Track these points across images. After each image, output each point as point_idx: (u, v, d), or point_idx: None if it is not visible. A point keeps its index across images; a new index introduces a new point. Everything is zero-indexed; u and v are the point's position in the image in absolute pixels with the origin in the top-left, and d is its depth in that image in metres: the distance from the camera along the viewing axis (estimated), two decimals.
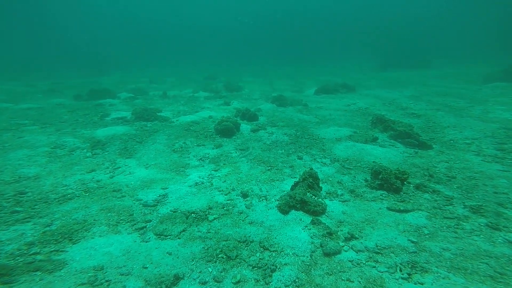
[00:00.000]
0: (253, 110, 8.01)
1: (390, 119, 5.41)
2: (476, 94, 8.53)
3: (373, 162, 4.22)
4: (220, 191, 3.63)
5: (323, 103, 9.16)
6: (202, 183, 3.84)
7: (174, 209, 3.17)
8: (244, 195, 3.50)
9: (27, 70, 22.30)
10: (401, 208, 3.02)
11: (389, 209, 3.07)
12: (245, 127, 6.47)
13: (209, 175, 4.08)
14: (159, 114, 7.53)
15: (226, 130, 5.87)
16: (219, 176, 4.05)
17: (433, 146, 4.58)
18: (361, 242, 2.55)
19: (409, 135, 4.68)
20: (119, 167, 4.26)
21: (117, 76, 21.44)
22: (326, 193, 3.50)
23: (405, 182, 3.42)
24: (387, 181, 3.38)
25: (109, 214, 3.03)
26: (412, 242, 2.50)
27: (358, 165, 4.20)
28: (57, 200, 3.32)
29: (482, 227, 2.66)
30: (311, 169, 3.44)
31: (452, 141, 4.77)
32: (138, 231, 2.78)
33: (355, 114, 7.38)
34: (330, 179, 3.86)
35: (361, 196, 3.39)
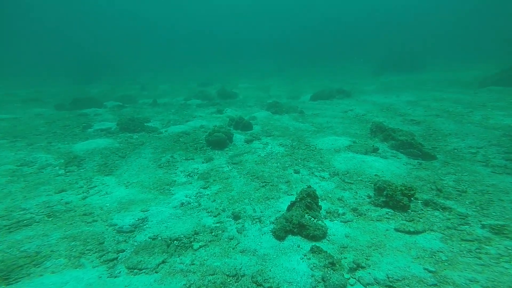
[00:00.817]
0: (247, 119, 7.73)
1: (390, 127, 5.19)
2: (473, 98, 8.48)
3: (375, 175, 3.94)
4: (208, 212, 3.27)
5: (319, 110, 8.97)
6: (189, 203, 3.48)
7: (154, 235, 2.79)
8: (236, 217, 3.15)
9: (14, 75, 21.69)
10: (411, 230, 2.72)
11: (397, 230, 2.76)
12: (238, 137, 6.16)
13: (197, 193, 3.72)
14: (146, 124, 7.17)
15: (218, 142, 5.55)
16: (208, 194, 3.70)
17: (437, 156, 4.35)
18: (369, 273, 2.22)
19: (412, 145, 4.44)
20: (95, 186, 3.85)
21: (109, 82, 21.10)
22: (326, 213, 3.19)
23: (412, 198, 3.14)
24: (393, 198, 3.08)
25: (73, 243, 2.62)
26: (430, 271, 2.18)
27: (359, 179, 3.91)
28: (7, 227, 2.88)
29: (511, 251, 2.36)
30: (309, 187, 3.13)
31: (456, 151, 4.54)
32: (107, 263, 2.39)
33: (352, 122, 7.17)
34: (330, 195, 3.55)
35: (365, 215, 3.08)
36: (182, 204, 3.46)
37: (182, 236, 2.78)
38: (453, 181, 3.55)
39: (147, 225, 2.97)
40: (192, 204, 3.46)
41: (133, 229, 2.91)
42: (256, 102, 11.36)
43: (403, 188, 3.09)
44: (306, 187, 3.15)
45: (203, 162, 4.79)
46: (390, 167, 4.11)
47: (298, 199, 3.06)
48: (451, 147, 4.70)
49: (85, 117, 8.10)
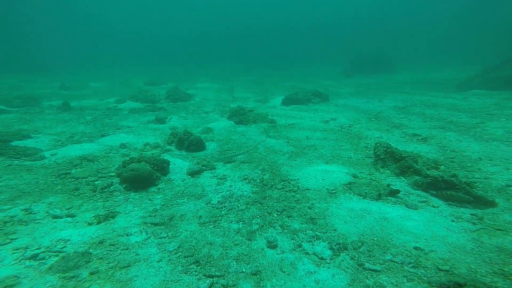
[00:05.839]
0: (197, 133, 5.72)
1: (408, 153, 3.67)
2: (469, 104, 7.81)
3: (416, 249, 2.29)
4: None
5: (294, 118, 7.38)
6: None
7: None
8: None
9: None
10: None
11: None
12: (179, 165, 4.12)
13: None
14: (18, 142, 4.60)
15: (137, 178, 3.41)
16: None
17: (496, 200, 2.91)
18: None
19: (453, 185, 2.93)
20: None
21: (21, 79, 17.08)
22: None
23: None
24: None
25: None
26: None
27: (387, 258, 2.20)
28: None
29: None
30: None
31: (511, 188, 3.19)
32: None
33: (340, 137, 5.66)
34: None
35: None
36: None
37: None
38: None
39: None
40: None
41: None
42: (215, 107, 9.38)
43: None
44: None
45: (89, 223, 2.61)
46: (434, 229, 2.51)
47: None
48: (500, 182, 3.35)
49: None
